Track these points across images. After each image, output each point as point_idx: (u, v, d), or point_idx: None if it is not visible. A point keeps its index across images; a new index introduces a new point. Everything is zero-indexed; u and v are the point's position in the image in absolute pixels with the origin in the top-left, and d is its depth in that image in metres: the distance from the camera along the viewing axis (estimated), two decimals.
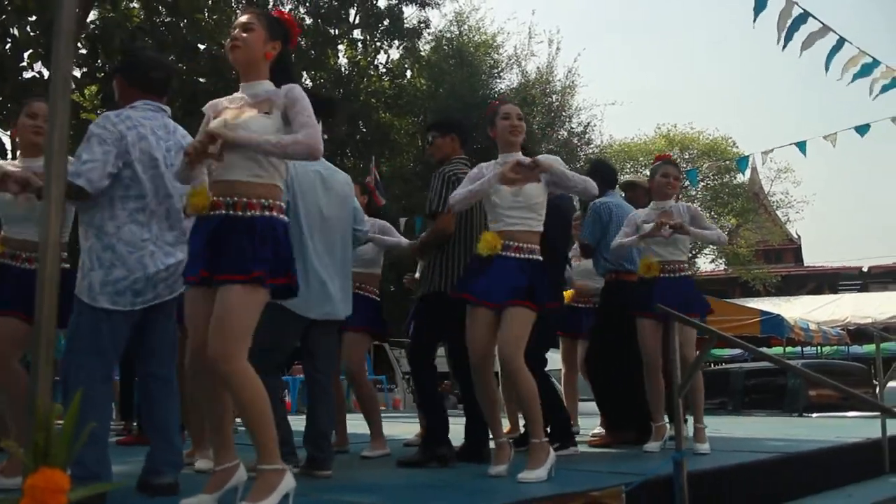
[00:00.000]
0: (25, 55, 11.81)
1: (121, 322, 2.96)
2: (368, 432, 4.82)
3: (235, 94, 2.83)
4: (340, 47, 19.04)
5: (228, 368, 2.51)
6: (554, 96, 22.66)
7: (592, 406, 5.51)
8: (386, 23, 17.64)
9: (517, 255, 3.62)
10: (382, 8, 17.66)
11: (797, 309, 17.55)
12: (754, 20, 5.43)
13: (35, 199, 3.35)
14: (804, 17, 5.68)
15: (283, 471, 2.55)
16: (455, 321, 3.83)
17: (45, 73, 11.44)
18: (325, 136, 3.20)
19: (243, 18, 2.80)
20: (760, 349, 4.92)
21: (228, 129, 2.65)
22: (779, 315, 13.67)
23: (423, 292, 4.31)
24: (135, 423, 5.94)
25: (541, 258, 3.68)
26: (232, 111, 2.75)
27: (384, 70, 20.06)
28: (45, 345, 1.62)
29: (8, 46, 11.60)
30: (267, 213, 2.65)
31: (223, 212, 2.64)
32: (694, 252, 27.68)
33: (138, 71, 3.25)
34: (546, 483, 3.36)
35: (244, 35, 2.77)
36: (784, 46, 5.52)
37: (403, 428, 6.25)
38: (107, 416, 3.11)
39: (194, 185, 2.69)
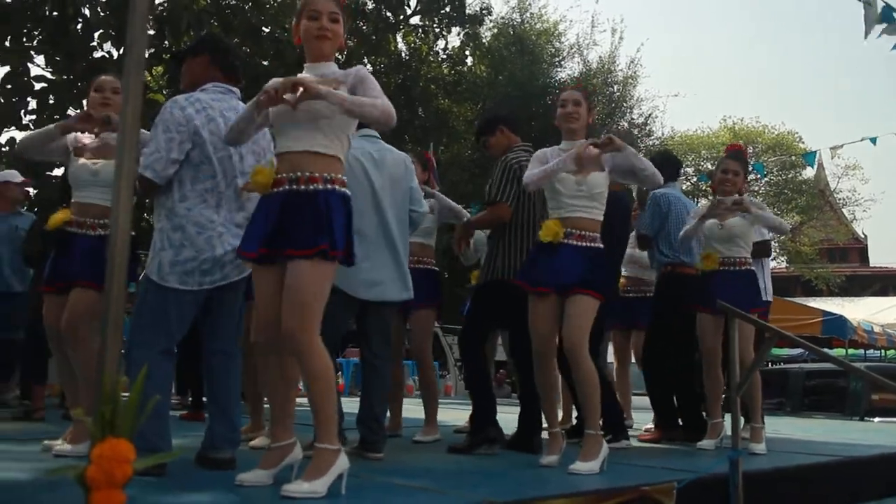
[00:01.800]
0: (96, 35, 12.13)
1: (188, 301, 3.03)
2: (422, 417, 4.84)
3: (300, 75, 2.82)
4: (400, 34, 19.07)
5: (302, 341, 2.55)
6: (615, 86, 22.33)
7: (646, 400, 5.45)
8: (448, 9, 17.59)
9: (579, 243, 3.59)
10: None
11: (861, 310, 17.03)
12: (865, 36, 5.19)
13: (98, 163, 3.50)
14: (889, 11, 5.46)
15: (338, 451, 2.58)
16: (516, 310, 3.82)
17: (115, 53, 11.72)
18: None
19: (330, 7, 2.80)
20: (823, 350, 4.78)
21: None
22: (842, 316, 13.34)
23: (485, 280, 4.31)
24: (189, 399, 6.07)
25: (602, 246, 3.65)
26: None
27: (444, 56, 20.02)
28: (113, 322, 1.66)
29: (79, 27, 11.92)
30: (329, 186, 2.66)
31: (286, 187, 2.66)
32: None
33: (225, 55, 3.33)
34: (597, 476, 3.33)
35: (335, 26, 2.80)
36: (866, 35, 5.28)
37: (455, 414, 6.27)
38: (168, 390, 3.18)
39: (261, 163, 2.73)
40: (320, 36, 2.80)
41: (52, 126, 3.59)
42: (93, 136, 3.60)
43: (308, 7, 2.80)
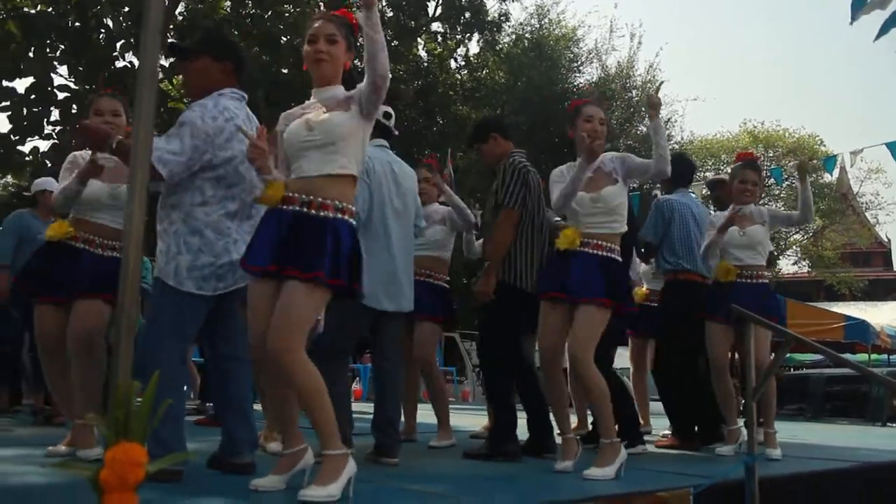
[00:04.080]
0: (118, 45, 12.30)
1: (202, 305, 3.05)
2: (437, 422, 4.87)
3: (308, 102, 2.86)
4: (420, 39, 19.15)
5: (287, 358, 2.57)
6: (634, 91, 22.28)
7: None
8: (467, 15, 17.66)
9: (595, 252, 3.58)
10: (464, 1, 17.69)
11: (885, 315, 16.84)
12: (852, 21, 5.13)
13: (117, 186, 3.57)
14: None
15: (346, 455, 2.60)
16: (519, 315, 3.83)
17: (137, 63, 11.88)
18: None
19: (327, 29, 2.80)
20: (842, 355, 4.73)
21: (314, 129, 2.70)
22: (864, 321, 13.21)
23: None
24: (208, 405, 6.10)
25: (619, 258, 3.63)
26: (313, 114, 2.78)
27: (463, 62, 20.08)
28: (126, 328, 1.70)
29: (101, 37, 12.10)
30: (339, 215, 2.68)
31: (296, 207, 2.68)
32: (776, 252, 26.83)
33: (244, 66, 3.33)
34: (612, 481, 3.33)
35: (331, 48, 2.79)
36: (877, 37, 5.21)
37: (471, 419, 6.28)
38: (183, 395, 3.21)
39: (274, 177, 2.74)
40: (317, 60, 2.80)
41: (70, 183, 3.61)
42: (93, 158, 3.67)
43: (308, 31, 2.83)
